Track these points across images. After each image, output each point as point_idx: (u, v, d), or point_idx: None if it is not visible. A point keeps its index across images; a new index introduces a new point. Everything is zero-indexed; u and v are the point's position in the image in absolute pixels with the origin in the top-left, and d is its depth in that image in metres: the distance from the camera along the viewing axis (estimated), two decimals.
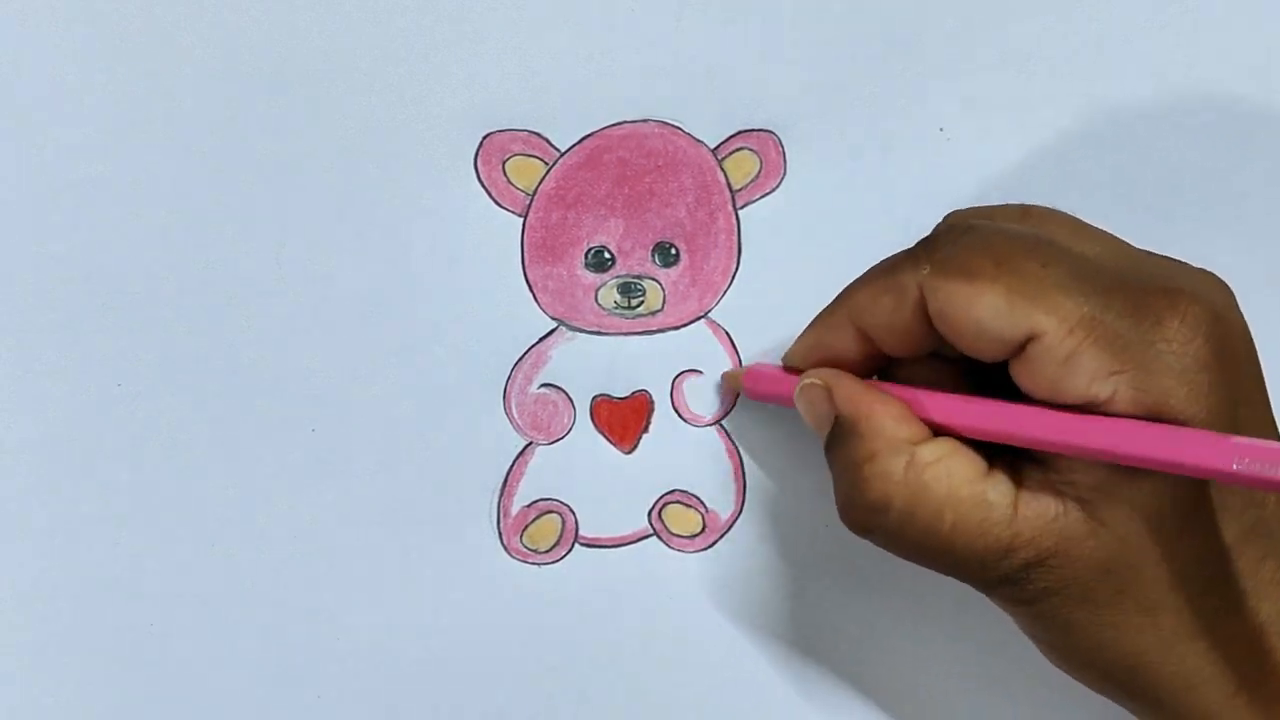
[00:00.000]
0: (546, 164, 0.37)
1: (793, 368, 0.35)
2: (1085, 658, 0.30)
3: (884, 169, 0.38)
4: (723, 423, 0.38)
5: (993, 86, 0.38)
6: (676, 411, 0.38)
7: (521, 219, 0.37)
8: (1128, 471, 0.28)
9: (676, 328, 0.38)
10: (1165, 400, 0.27)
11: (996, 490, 0.29)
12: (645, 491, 0.38)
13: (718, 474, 0.38)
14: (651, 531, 0.38)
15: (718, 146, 0.37)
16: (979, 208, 0.34)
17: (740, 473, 0.38)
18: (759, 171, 0.37)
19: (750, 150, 0.37)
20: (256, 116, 0.36)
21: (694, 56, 0.37)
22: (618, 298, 0.37)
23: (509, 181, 0.37)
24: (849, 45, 0.37)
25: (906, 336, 0.31)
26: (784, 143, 0.37)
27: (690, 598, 0.38)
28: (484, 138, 0.36)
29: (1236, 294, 0.31)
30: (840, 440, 0.31)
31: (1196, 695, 0.29)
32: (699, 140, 0.37)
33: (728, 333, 0.38)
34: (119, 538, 0.36)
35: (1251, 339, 0.30)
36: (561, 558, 0.38)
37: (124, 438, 0.36)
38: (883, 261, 0.32)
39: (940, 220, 0.34)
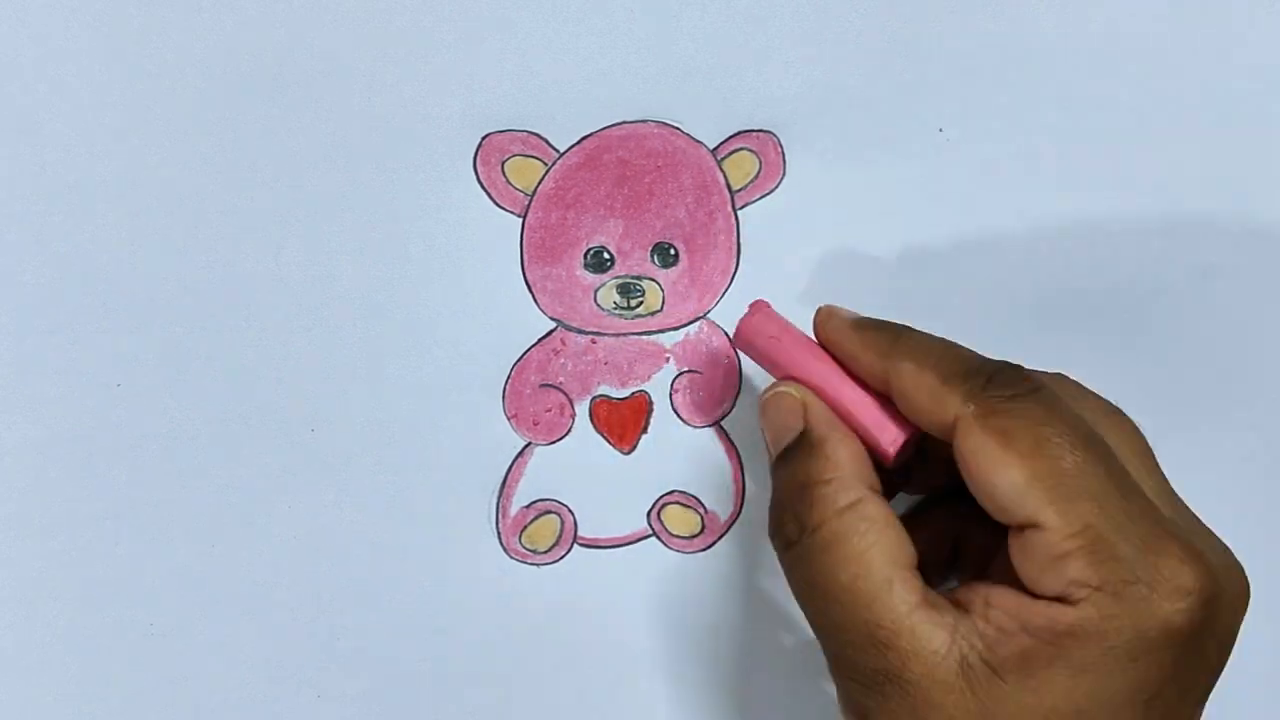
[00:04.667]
0: (546, 164, 0.37)
1: (818, 329, 0.33)
2: None
3: (884, 169, 0.38)
4: (722, 423, 0.38)
5: (993, 86, 0.38)
6: (676, 412, 0.38)
7: (521, 219, 0.37)
8: (1030, 665, 0.28)
9: (676, 328, 0.38)
10: (1116, 633, 0.28)
11: (906, 585, 0.29)
12: (644, 492, 0.38)
13: (717, 474, 0.38)
14: (651, 532, 0.38)
15: (717, 147, 0.37)
16: (1079, 386, 0.32)
17: (739, 473, 0.38)
18: (758, 172, 0.37)
19: (749, 150, 0.37)
20: (256, 117, 0.36)
21: (694, 56, 0.37)
22: (617, 298, 0.37)
23: (508, 182, 0.37)
24: (849, 45, 0.37)
25: (923, 426, 0.31)
26: (783, 143, 0.37)
27: (689, 598, 0.38)
28: (483, 138, 0.36)
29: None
30: (801, 454, 0.31)
31: None
32: (698, 140, 0.37)
33: (727, 333, 0.38)
34: (119, 538, 0.36)
35: (1227, 645, 0.29)
36: (560, 558, 0.38)
37: (124, 438, 0.36)
38: (948, 354, 0.31)
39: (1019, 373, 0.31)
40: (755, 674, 0.38)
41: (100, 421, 0.36)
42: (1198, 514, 0.31)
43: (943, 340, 0.32)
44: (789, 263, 0.38)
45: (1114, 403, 0.32)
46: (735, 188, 0.37)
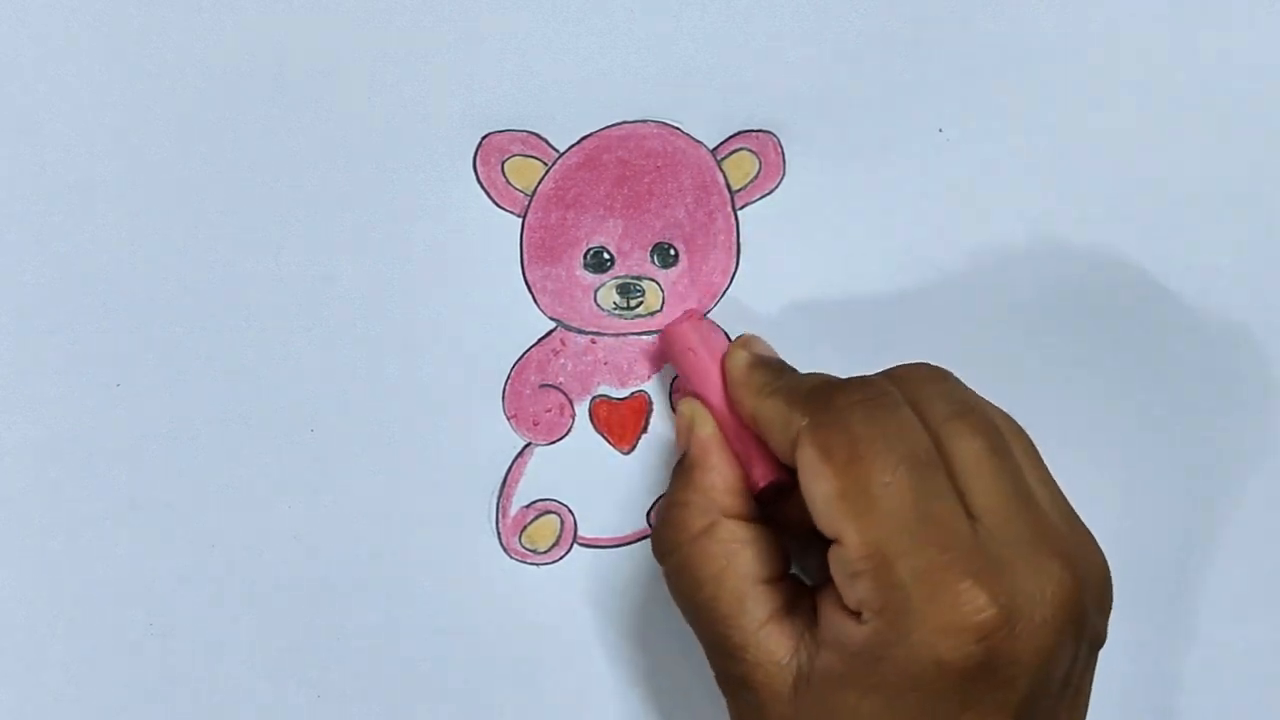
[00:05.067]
0: (545, 164, 0.37)
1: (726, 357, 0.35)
2: None
3: (883, 169, 0.38)
4: None
5: (993, 86, 0.38)
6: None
7: (520, 219, 0.37)
8: (828, 682, 0.29)
9: None
10: (889, 663, 0.28)
11: (759, 600, 0.31)
12: (644, 492, 0.38)
13: None
14: (651, 532, 0.38)
15: (717, 147, 0.37)
16: (938, 383, 0.32)
17: None
18: (758, 172, 0.37)
19: (749, 151, 0.37)
20: (256, 117, 0.36)
21: (694, 56, 0.37)
22: (617, 298, 0.37)
23: (508, 182, 0.37)
24: (849, 45, 0.37)
25: (784, 458, 0.32)
26: (783, 143, 0.37)
27: None
28: (483, 138, 0.36)
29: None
30: (677, 474, 0.34)
31: None
32: (698, 140, 0.37)
33: (726, 333, 0.38)
34: (119, 538, 0.36)
35: (1043, 666, 0.28)
36: (560, 558, 0.38)
37: (124, 438, 0.36)
38: (806, 380, 0.33)
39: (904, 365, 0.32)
40: None
41: (100, 421, 0.36)
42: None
43: (815, 374, 0.33)
44: (789, 263, 0.38)
45: (969, 401, 0.31)
46: (735, 188, 0.37)
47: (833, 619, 0.30)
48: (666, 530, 0.33)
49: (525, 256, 0.37)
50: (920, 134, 0.38)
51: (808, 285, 0.38)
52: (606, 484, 0.38)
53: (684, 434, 0.34)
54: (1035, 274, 0.38)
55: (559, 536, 0.38)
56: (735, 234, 0.37)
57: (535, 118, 0.36)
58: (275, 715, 0.37)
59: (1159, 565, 0.39)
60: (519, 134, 0.36)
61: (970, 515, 0.29)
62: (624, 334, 0.37)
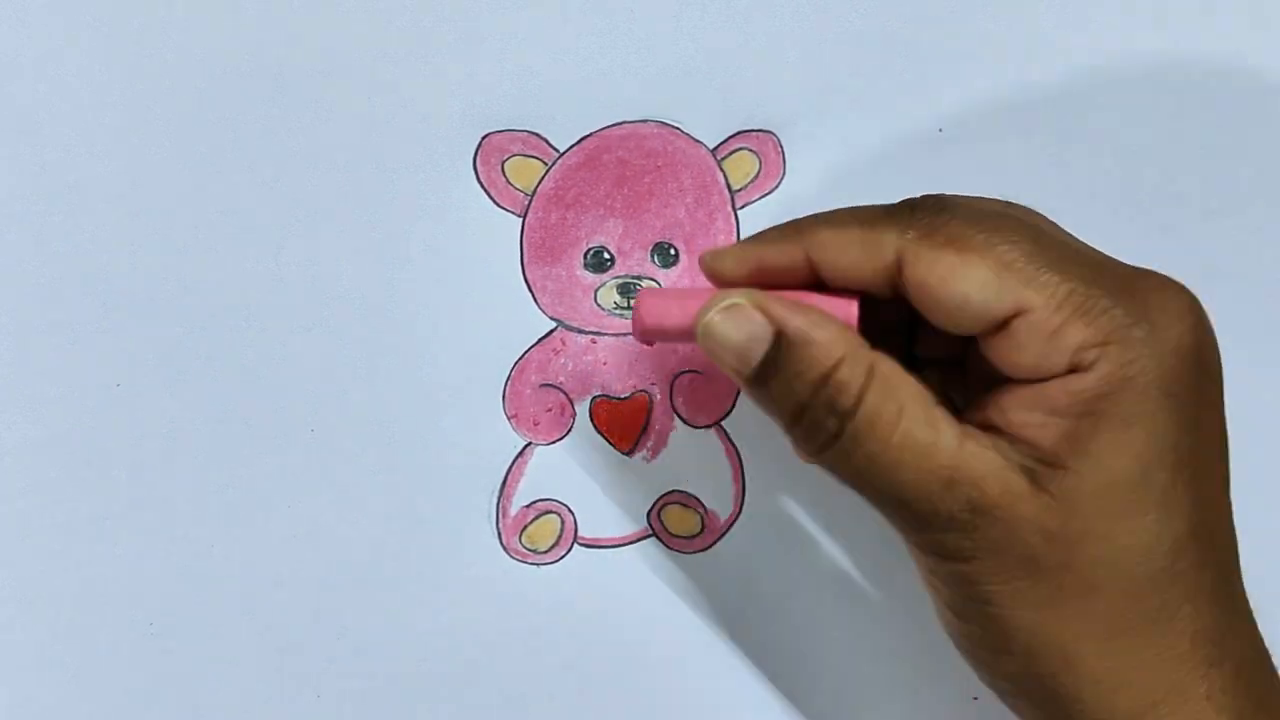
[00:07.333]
0: (546, 164, 0.37)
1: (713, 273, 0.32)
2: (1006, 643, 0.29)
3: (883, 169, 0.38)
4: (722, 423, 0.38)
5: (993, 86, 0.38)
6: (676, 412, 0.38)
7: (521, 219, 0.37)
8: (1079, 440, 0.28)
9: None
10: (1140, 375, 0.28)
11: (945, 420, 0.29)
12: (644, 492, 0.38)
13: (717, 475, 0.38)
14: (650, 532, 0.38)
15: (717, 147, 0.37)
16: (959, 195, 0.31)
17: (739, 473, 0.38)
18: (758, 172, 0.37)
19: (749, 150, 0.37)
20: (256, 117, 0.36)
21: (693, 56, 0.37)
22: (617, 298, 0.37)
23: (508, 182, 0.37)
24: (849, 45, 0.37)
25: (865, 285, 0.30)
26: (783, 143, 0.37)
27: (689, 599, 0.38)
28: (483, 138, 0.36)
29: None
30: (794, 354, 0.29)
31: (1121, 697, 0.28)
32: (698, 140, 0.37)
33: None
34: (119, 538, 0.36)
35: (1218, 349, 0.30)
36: (561, 558, 0.38)
37: (124, 438, 0.36)
38: (859, 209, 0.31)
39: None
40: (754, 673, 0.38)
41: (100, 421, 0.36)
42: None
43: (845, 208, 0.31)
44: None
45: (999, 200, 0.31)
46: (735, 188, 0.37)
47: (1042, 396, 0.28)
48: (834, 400, 0.29)
49: (525, 256, 0.37)
50: (920, 134, 0.38)
51: None
52: (606, 484, 0.38)
53: (755, 325, 0.30)
54: None
55: (559, 536, 0.38)
56: (735, 234, 0.37)
57: (535, 118, 0.36)
58: (275, 715, 0.37)
59: None
60: (519, 134, 0.37)
61: None
62: (624, 334, 0.37)
